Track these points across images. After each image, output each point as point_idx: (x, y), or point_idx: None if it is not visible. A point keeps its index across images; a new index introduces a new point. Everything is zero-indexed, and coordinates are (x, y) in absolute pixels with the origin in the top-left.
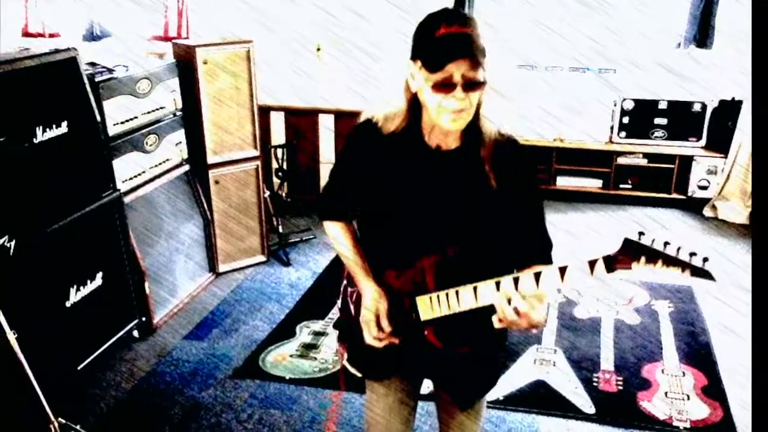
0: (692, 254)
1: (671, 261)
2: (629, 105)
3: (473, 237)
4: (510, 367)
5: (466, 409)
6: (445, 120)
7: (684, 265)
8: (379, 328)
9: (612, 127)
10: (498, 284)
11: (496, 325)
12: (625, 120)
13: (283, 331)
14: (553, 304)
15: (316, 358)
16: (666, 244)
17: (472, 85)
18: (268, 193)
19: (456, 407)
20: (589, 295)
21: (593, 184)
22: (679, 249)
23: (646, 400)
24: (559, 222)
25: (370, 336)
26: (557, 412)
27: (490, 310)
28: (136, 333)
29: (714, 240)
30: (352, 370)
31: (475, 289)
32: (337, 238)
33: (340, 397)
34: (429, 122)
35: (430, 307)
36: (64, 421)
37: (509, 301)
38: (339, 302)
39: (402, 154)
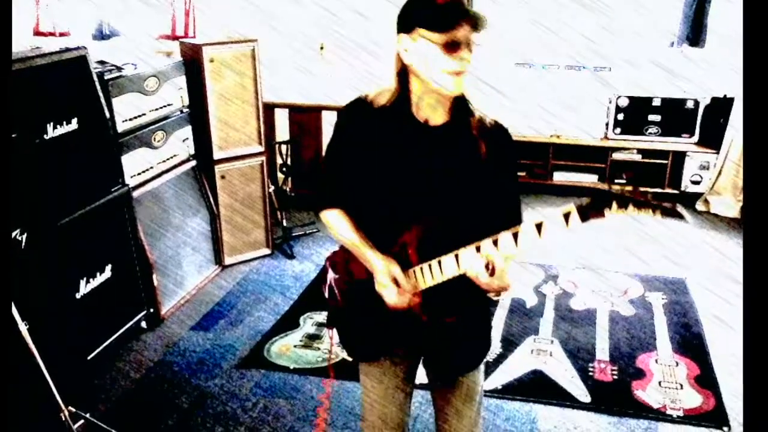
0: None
1: (642, 204)
2: (624, 102)
3: (454, 209)
4: (508, 357)
5: (463, 374)
6: (448, 82)
7: (654, 207)
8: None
9: (607, 124)
10: (478, 248)
11: (481, 282)
12: (620, 117)
13: (287, 322)
14: (550, 296)
15: (319, 349)
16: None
17: (471, 47)
18: (272, 187)
19: (452, 395)
20: (584, 287)
21: (589, 179)
22: (647, 195)
23: (641, 389)
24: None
25: (394, 298)
26: (554, 401)
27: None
28: (144, 324)
29: (706, 233)
30: (344, 354)
31: (456, 255)
32: (336, 224)
33: (330, 384)
34: (418, 95)
35: (415, 279)
36: (74, 409)
37: (488, 265)
38: (326, 290)
39: (391, 128)
